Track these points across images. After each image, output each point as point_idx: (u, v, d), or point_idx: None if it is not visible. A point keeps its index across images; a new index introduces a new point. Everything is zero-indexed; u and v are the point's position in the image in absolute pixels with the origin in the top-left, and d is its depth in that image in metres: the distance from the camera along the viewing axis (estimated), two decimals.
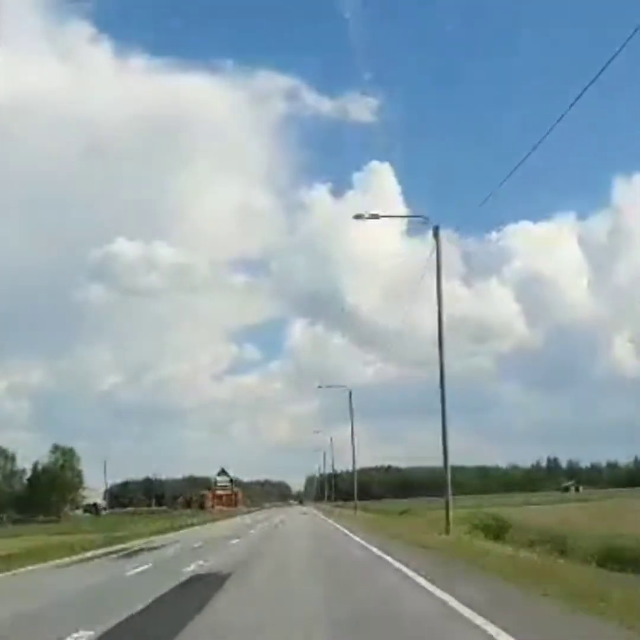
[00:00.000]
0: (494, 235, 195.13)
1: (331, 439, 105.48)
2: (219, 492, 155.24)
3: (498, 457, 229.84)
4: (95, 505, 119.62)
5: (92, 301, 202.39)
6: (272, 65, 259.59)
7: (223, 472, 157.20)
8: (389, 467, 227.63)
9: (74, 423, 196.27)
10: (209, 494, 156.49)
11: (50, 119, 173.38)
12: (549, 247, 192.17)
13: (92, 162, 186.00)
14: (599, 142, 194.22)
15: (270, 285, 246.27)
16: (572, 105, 13.91)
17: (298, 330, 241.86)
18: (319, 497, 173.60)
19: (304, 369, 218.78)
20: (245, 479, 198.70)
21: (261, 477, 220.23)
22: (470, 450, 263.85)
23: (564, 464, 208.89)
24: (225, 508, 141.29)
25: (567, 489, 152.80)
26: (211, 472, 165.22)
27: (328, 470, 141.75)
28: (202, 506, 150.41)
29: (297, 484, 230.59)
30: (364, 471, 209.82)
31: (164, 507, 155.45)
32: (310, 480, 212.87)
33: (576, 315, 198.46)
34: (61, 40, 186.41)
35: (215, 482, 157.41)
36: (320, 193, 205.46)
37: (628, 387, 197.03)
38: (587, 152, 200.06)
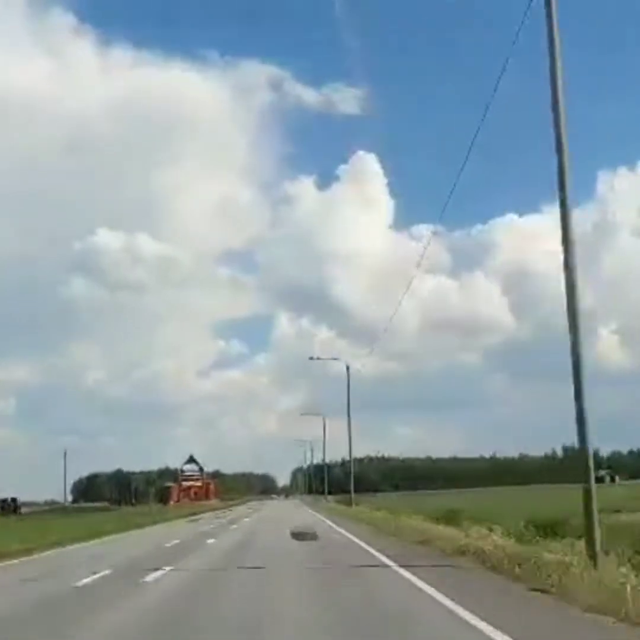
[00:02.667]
0: (478, 228, 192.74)
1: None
2: (186, 483, 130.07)
3: (503, 448, 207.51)
4: (14, 500, 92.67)
5: (77, 296, 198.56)
6: (257, 56, 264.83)
7: (192, 460, 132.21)
8: (385, 457, 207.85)
9: (60, 419, 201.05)
10: (174, 486, 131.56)
11: (30, 111, 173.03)
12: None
13: (74, 156, 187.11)
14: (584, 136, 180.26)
15: (255, 279, 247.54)
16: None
17: (284, 324, 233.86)
18: (308, 490, 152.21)
19: (290, 362, 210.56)
20: (229, 471, 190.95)
21: (246, 470, 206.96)
22: (474, 442, 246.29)
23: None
24: (193, 502, 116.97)
25: (601, 480, 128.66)
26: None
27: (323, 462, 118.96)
28: (165, 500, 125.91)
29: (284, 478, 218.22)
30: (356, 462, 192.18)
31: (105, 502, 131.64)
32: (297, 473, 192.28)
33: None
34: (42, 32, 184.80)
35: (182, 472, 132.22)
36: (305, 185, 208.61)
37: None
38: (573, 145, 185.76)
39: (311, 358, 50.35)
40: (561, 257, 11.97)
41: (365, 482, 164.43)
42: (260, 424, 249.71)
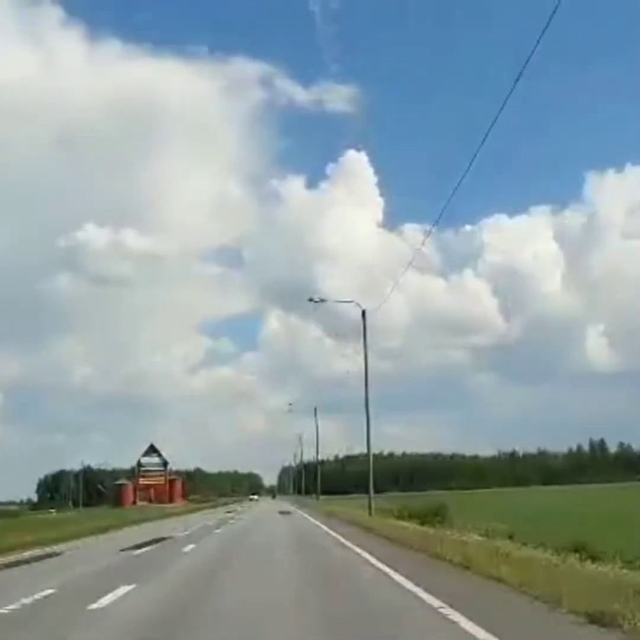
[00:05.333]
0: (468, 228, 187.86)
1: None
2: (144, 481, 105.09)
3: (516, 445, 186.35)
4: None
5: (61, 291, 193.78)
6: (247, 53, 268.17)
7: (153, 450, 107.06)
8: (384, 454, 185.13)
9: (47, 415, 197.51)
10: (128, 484, 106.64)
11: (18, 104, 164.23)
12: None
13: (62, 150, 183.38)
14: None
15: (243, 276, 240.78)
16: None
17: (273, 322, 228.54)
18: (298, 490, 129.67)
19: (278, 360, 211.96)
20: (213, 470, 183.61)
21: (230, 468, 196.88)
22: (481, 439, 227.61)
23: (612, 448, 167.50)
24: (151, 505, 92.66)
25: None
26: (177, 463, 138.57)
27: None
28: (119, 502, 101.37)
29: (271, 477, 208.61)
30: (350, 458, 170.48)
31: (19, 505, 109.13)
32: (284, 472, 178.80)
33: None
34: (30, 24, 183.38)
35: (140, 466, 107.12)
36: (295, 184, 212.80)
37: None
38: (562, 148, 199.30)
39: (311, 299, 36.67)
40: None
41: (365, 481, 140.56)
42: (248, 422, 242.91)
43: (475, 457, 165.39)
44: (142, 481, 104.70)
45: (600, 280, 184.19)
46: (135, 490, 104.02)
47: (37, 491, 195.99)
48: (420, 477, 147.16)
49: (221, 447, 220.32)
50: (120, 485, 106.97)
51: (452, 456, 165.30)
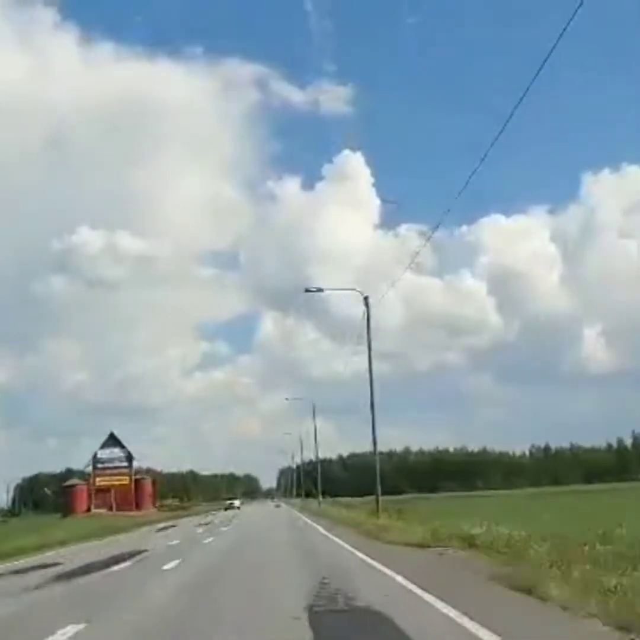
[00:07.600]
0: (464, 228, 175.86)
1: None
2: (102, 480, 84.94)
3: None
4: None
5: (54, 293, 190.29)
6: (242, 53, 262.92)
7: (113, 440, 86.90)
8: (394, 451, 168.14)
9: (37, 419, 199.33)
10: (81, 486, 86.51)
11: (9, 105, 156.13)
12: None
13: (55, 152, 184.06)
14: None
15: (238, 278, 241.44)
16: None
17: (268, 324, 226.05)
18: (305, 493, 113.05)
19: (274, 363, 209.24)
20: (210, 472, 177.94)
21: (226, 470, 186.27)
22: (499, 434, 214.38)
23: None
24: (115, 514, 73.23)
25: None
26: (171, 466, 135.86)
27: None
28: (69, 508, 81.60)
29: (269, 480, 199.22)
30: (355, 457, 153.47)
31: None
32: (283, 473, 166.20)
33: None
34: (23, 26, 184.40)
35: (96, 460, 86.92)
36: (290, 184, 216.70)
37: None
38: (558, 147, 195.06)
39: (308, 290, 35.28)
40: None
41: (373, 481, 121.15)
42: (245, 424, 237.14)
43: (505, 454, 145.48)
44: (99, 482, 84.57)
45: (599, 279, 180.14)
46: (89, 493, 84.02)
47: (15, 496, 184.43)
48: (440, 476, 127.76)
49: (218, 449, 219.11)
50: (71, 487, 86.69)
51: (479, 452, 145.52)
